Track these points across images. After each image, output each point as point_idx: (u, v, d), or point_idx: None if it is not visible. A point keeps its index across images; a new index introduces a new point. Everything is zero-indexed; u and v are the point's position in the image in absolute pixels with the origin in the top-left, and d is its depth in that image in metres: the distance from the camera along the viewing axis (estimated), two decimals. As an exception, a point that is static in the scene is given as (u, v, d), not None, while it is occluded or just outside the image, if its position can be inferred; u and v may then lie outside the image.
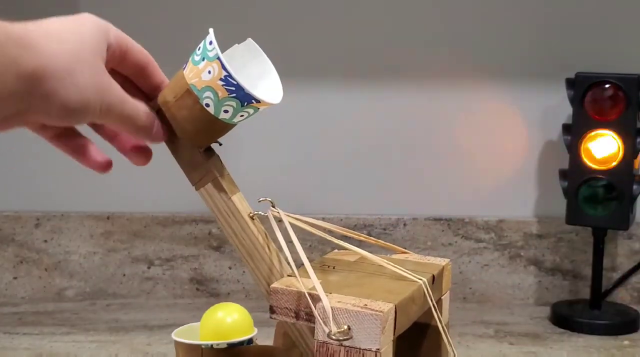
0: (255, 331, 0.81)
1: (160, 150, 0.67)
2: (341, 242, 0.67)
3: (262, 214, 0.65)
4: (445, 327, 0.66)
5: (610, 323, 1.17)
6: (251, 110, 0.60)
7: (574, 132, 1.16)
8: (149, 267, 1.30)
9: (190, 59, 0.60)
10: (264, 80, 0.63)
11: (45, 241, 1.29)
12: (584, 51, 1.25)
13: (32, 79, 0.50)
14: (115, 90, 0.56)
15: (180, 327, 0.83)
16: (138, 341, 1.11)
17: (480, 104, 1.29)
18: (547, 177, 1.29)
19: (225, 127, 0.61)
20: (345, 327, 0.56)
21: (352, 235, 0.73)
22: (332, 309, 0.56)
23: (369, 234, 1.28)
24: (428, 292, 0.64)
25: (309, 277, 0.60)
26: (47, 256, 1.29)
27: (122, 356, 1.06)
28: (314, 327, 0.58)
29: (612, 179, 1.15)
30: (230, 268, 1.29)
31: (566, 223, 1.19)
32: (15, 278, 1.30)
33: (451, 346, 0.65)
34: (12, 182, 1.31)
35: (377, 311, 0.56)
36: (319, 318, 0.57)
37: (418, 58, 1.28)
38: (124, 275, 1.30)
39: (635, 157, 1.15)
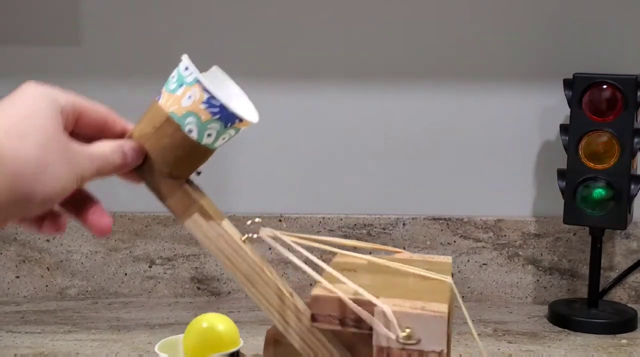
0: (242, 342, 0.80)
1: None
2: (343, 252, 0.66)
3: (254, 236, 0.62)
4: (472, 325, 0.65)
5: (608, 322, 1.17)
6: (233, 132, 0.59)
7: (572, 132, 1.17)
8: (150, 267, 1.31)
9: (164, 88, 0.59)
10: (236, 103, 0.62)
11: (47, 240, 1.30)
12: (582, 52, 1.26)
13: (8, 190, 0.48)
14: (82, 155, 0.53)
15: (163, 340, 0.81)
16: (139, 340, 1.11)
17: (479, 104, 1.29)
18: (545, 177, 1.29)
19: (206, 153, 0.60)
20: (409, 330, 0.55)
21: (344, 243, 0.71)
22: (393, 313, 0.56)
23: (369, 234, 1.29)
24: (455, 291, 0.63)
25: (338, 282, 0.59)
26: (49, 255, 1.30)
27: (124, 355, 1.07)
28: (362, 333, 0.57)
29: (609, 179, 1.16)
30: (230, 267, 1.30)
31: (564, 223, 1.20)
32: (17, 277, 1.30)
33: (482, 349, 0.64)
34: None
35: (439, 312, 0.55)
36: (379, 323, 0.56)
37: (416, 59, 1.29)
38: (126, 274, 1.31)
39: (633, 157, 1.16)
